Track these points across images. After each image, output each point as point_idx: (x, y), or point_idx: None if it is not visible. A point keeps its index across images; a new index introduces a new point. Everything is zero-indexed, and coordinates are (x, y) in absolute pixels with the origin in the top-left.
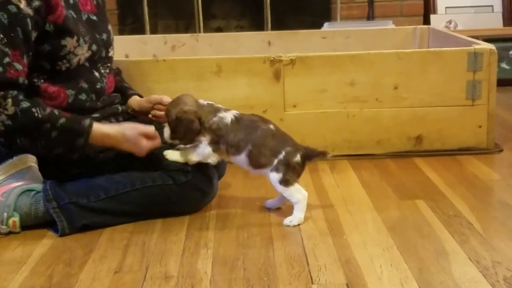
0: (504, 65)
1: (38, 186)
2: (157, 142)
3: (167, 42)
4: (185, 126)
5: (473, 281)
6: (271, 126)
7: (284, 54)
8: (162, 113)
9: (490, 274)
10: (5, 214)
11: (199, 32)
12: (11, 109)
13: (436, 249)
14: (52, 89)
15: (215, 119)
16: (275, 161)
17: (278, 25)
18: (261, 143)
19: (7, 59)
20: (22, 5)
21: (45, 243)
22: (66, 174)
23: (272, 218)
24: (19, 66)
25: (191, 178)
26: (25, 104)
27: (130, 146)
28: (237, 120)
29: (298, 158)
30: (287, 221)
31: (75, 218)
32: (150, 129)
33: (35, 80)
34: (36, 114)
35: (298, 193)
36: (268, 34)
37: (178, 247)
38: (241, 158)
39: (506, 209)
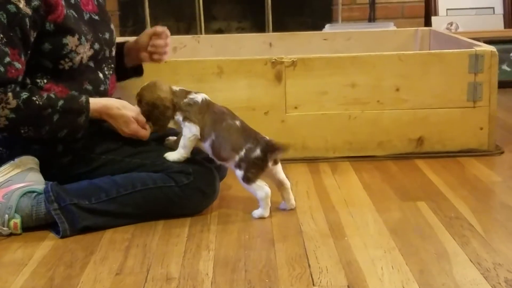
0: (505, 67)
1: (40, 188)
2: (144, 132)
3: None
4: (159, 112)
5: (474, 283)
6: (237, 122)
7: (285, 55)
8: (161, 41)
9: (491, 276)
10: (7, 215)
11: (200, 33)
12: (13, 103)
13: (437, 251)
14: (55, 89)
15: (185, 100)
16: (237, 158)
17: (279, 26)
18: (223, 135)
19: (7, 59)
20: (21, 4)
21: (46, 245)
22: (68, 175)
23: (273, 220)
24: (18, 65)
25: (193, 180)
26: (24, 95)
27: (122, 120)
28: (207, 104)
29: (258, 153)
30: (252, 213)
31: (77, 220)
32: (143, 118)
33: (38, 80)
34: (37, 102)
35: (260, 191)
36: (269, 36)
37: (180, 248)
38: (206, 146)
39: (507, 211)
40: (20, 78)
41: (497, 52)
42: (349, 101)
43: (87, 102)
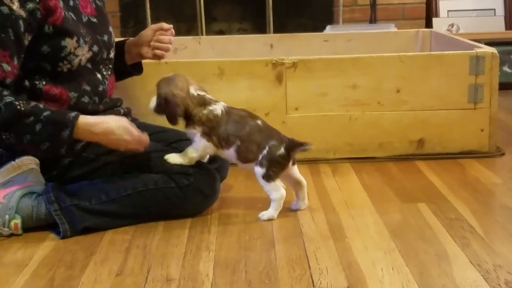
0: (506, 69)
1: (40, 189)
2: (142, 144)
3: None
4: (169, 108)
5: (475, 285)
6: (259, 122)
7: (286, 57)
8: (166, 37)
9: (492, 278)
10: (7, 216)
11: (201, 34)
12: None
13: (437, 252)
14: (54, 91)
15: (204, 111)
16: (260, 156)
17: (280, 28)
18: (249, 139)
19: None
20: (15, 6)
21: (46, 246)
22: (68, 176)
23: (273, 221)
24: (7, 67)
25: (193, 181)
26: (8, 99)
27: (116, 138)
28: (227, 113)
29: (282, 150)
30: (260, 214)
31: (77, 221)
32: (137, 130)
33: (37, 82)
34: (18, 107)
35: (276, 192)
36: (270, 37)
37: (180, 249)
38: (230, 153)
39: (508, 213)
40: (8, 81)
41: (498, 54)
42: (349, 103)
43: (75, 118)
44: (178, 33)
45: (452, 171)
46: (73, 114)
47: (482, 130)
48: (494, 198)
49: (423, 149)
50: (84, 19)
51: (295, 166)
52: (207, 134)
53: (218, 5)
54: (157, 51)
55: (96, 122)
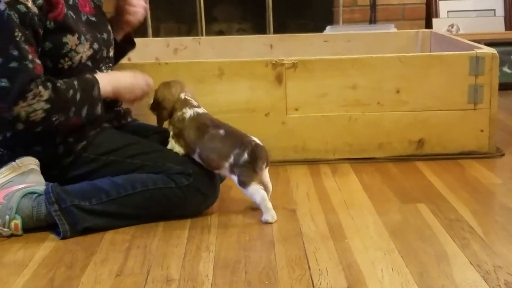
0: (506, 69)
1: (40, 189)
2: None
3: (169, 45)
4: (159, 109)
5: (474, 286)
6: (221, 131)
7: (286, 57)
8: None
9: (491, 279)
10: (7, 216)
11: (201, 35)
12: (45, 94)
13: (437, 253)
14: None
15: (178, 113)
16: (227, 165)
17: (280, 28)
18: (207, 147)
19: (30, 56)
20: (29, 3)
21: (46, 246)
22: (68, 176)
23: (273, 222)
24: (38, 61)
25: (193, 181)
26: (49, 84)
27: (132, 79)
28: (194, 119)
29: (245, 157)
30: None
31: (77, 221)
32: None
33: None
34: (61, 87)
35: (256, 194)
36: (270, 38)
37: (180, 250)
38: (196, 158)
39: (508, 213)
40: (42, 73)
41: (497, 54)
42: (349, 103)
43: (94, 76)
44: (178, 33)
45: (452, 172)
46: (89, 74)
47: (482, 131)
48: (494, 199)
49: (423, 150)
50: (83, 18)
51: (267, 169)
52: (176, 136)
53: (218, 5)
54: (130, 8)
55: (109, 73)
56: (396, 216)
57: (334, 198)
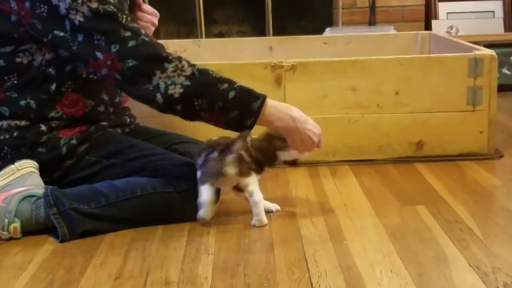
0: (505, 71)
1: (40, 192)
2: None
3: (169, 48)
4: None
5: (473, 287)
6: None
7: (285, 59)
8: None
9: (490, 280)
10: (6, 220)
11: (201, 37)
12: (188, 70)
13: (436, 255)
14: (73, 96)
15: None
16: None
17: (280, 30)
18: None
19: (143, 31)
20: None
21: (46, 249)
22: (69, 179)
23: (272, 224)
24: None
25: (193, 185)
26: (198, 65)
27: (308, 129)
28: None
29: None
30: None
31: (76, 224)
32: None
33: (63, 89)
34: (213, 74)
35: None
36: (270, 40)
37: (179, 253)
38: None
39: (507, 215)
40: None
41: (496, 56)
42: (349, 105)
43: (264, 95)
44: (178, 36)
45: (451, 173)
46: (259, 92)
47: (481, 132)
48: (493, 200)
49: (422, 151)
50: None
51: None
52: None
53: (217, 8)
54: (141, 24)
55: (284, 106)
56: (396, 218)
57: (333, 200)
